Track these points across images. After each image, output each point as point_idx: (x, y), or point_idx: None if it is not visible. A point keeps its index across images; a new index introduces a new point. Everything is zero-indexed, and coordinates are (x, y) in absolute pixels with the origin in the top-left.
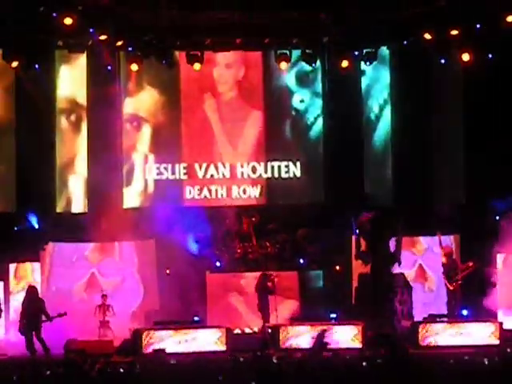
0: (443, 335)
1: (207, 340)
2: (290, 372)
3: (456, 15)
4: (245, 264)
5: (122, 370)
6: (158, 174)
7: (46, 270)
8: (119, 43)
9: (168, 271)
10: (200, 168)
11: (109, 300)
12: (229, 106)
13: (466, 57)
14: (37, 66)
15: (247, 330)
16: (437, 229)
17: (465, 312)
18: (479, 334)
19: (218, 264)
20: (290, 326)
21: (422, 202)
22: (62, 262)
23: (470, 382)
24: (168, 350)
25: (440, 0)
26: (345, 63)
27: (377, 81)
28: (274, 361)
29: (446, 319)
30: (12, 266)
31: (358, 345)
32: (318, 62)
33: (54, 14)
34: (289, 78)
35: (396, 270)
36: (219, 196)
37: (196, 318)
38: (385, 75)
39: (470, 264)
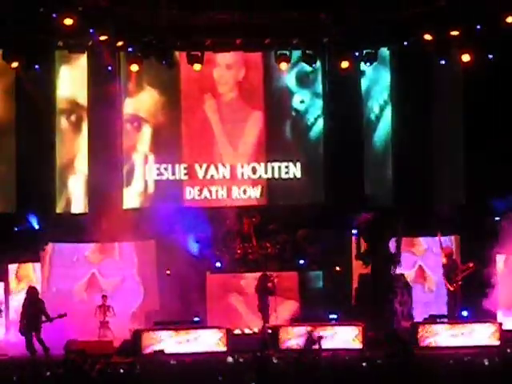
0: (443, 336)
1: (207, 340)
2: (289, 372)
3: (456, 15)
4: (245, 264)
5: (121, 371)
6: (158, 175)
7: (45, 271)
8: (119, 44)
9: (168, 272)
10: (200, 168)
11: (109, 300)
12: (229, 107)
13: (466, 57)
14: (37, 66)
15: (247, 331)
16: (437, 229)
17: (465, 313)
18: (479, 334)
19: (218, 264)
20: (289, 327)
21: (422, 202)
22: (62, 263)
23: (470, 383)
24: (168, 351)
25: (440, 0)
26: (345, 64)
27: (377, 81)
28: (274, 361)
29: (446, 320)
30: (12, 267)
31: (358, 345)
32: (318, 63)
33: (54, 15)
34: (289, 79)
35: (396, 271)
36: (219, 196)
37: (196, 319)
38: (385, 76)
39: (470, 265)
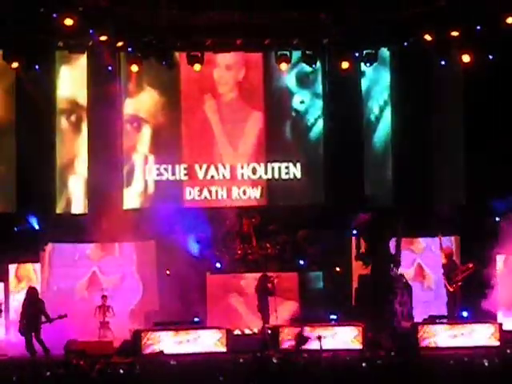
0: (443, 336)
1: (207, 341)
2: (289, 373)
3: (456, 16)
4: (245, 265)
5: (121, 371)
6: (158, 175)
7: (45, 271)
8: (119, 44)
9: (168, 272)
10: (200, 169)
11: (109, 299)
12: (229, 107)
13: (466, 58)
14: (37, 66)
15: (247, 331)
16: (437, 229)
17: (465, 313)
18: (479, 335)
19: (218, 265)
20: (289, 327)
21: (422, 202)
22: (62, 263)
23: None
24: (168, 351)
25: (440, 0)
26: (345, 64)
27: (377, 82)
28: (274, 361)
29: (445, 321)
30: (12, 267)
31: (358, 346)
32: (318, 63)
33: (55, 15)
34: (289, 79)
35: (394, 270)
36: (219, 197)
37: (196, 319)
38: (385, 76)
39: (470, 265)
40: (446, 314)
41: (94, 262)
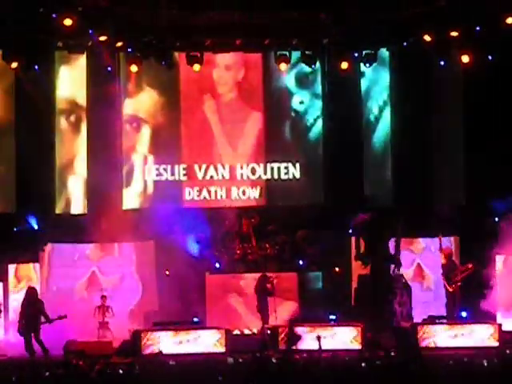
0: (442, 337)
1: (206, 341)
2: (289, 373)
3: (456, 16)
4: (244, 265)
5: (121, 371)
6: (157, 175)
7: (44, 271)
8: (119, 44)
9: (167, 272)
10: (200, 169)
11: (108, 300)
12: (228, 107)
13: (465, 58)
14: (36, 66)
15: (246, 331)
16: (437, 230)
17: (464, 314)
18: (478, 335)
19: (217, 265)
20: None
21: (421, 202)
22: (61, 263)
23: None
24: (167, 351)
25: (440, 0)
26: (344, 65)
27: (376, 82)
28: (273, 362)
29: (445, 321)
30: (11, 267)
31: (357, 346)
32: (318, 64)
33: (54, 15)
34: (288, 80)
35: (395, 271)
36: (219, 197)
37: (195, 319)
38: (384, 77)
39: (470, 266)
40: (445, 314)
41: (93, 262)
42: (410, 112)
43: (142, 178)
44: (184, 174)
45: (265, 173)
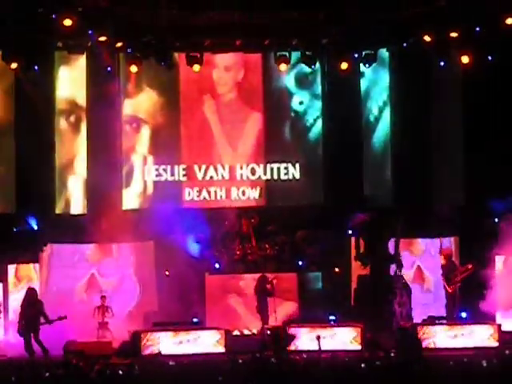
0: (442, 337)
1: (206, 341)
2: (288, 373)
3: (456, 16)
4: (244, 265)
5: (120, 372)
6: (157, 176)
7: (44, 272)
8: (119, 44)
9: (167, 272)
10: (199, 169)
11: (108, 301)
12: (228, 108)
13: (465, 59)
14: (36, 67)
15: (246, 332)
16: (437, 230)
17: (464, 314)
18: (478, 336)
19: (217, 265)
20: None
21: (421, 202)
22: (61, 263)
23: None
24: (167, 352)
25: (440, 0)
26: (344, 65)
27: (376, 83)
28: (273, 362)
29: (444, 321)
30: (11, 267)
31: (356, 346)
32: (318, 64)
33: (54, 15)
34: (288, 80)
35: (400, 272)
36: (218, 198)
37: (195, 320)
38: (384, 77)
39: (469, 266)
40: (445, 315)
41: (92, 264)
42: (410, 112)
43: (141, 178)
44: (184, 175)
45: (264, 173)
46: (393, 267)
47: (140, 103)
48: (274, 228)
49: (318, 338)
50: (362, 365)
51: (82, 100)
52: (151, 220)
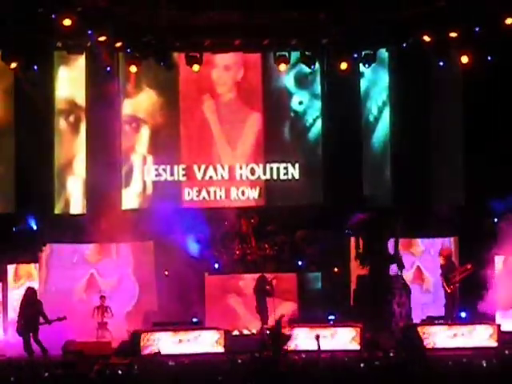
0: (441, 337)
1: (206, 341)
2: (288, 373)
3: (456, 16)
4: (243, 265)
5: (120, 372)
6: (156, 176)
7: (43, 272)
8: (118, 44)
9: (167, 273)
10: (199, 169)
11: (107, 301)
12: (228, 108)
13: (465, 59)
14: (36, 67)
15: (245, 332)
16: (436, 230)
17: (463, 314)
18: (478, 336)
19: (216, 265)
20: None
21: (421, 202)
22: (60, 263)
23: None
24: (166, 352)
25: (440, 0)
26: (344, 65)
27: (376, 83)
28: (272, 362)
29: (443, 321)
30: (10, 267)
31: (356, 346)
32: (317, 64)
33: (53, 15)
34: (288, 80)
35: (402, 273)
36: (218, 198)
37: (194, 320)
38: (383, 77)
39: (469, 266)
40: (443, 315)
41: (91, 264)
42: (410, 112)
43: (141, 178)
44: (183, 175)
45: (264, 173)
46: (393, 267)
47: (139, 103)
48: (274, 228)
49: (318, 337)
50: (361, 365)
51: (81, 100)
52: (151, 220)
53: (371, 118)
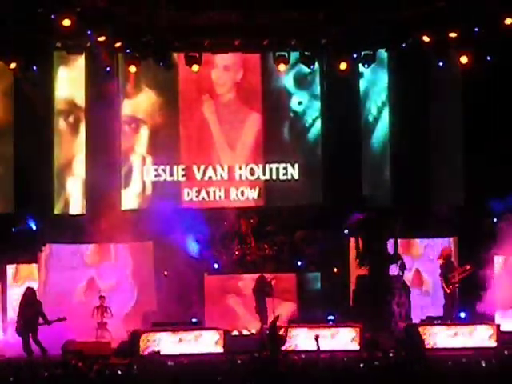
0: (441, 337)
1: (205, 342)
2: (287, 373)
3: (455, 16)
4: (243, 266)
5: (119, 372)
6: (156, 176)
7: (43, 272)
8: (117, 45)
9: (166, 273)
10: (198, 170)
11: (107, 301)
12: (227, 108)
13: (464, 59)
14: (35, 67)
15: (245, 332)
16: (435, 230)
17: (462, 314)
18: (477, 336)
19: (216, 266)
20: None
21: (420, 202)
22: (59, 264)
23: None
24: (166, 352)
25: (440, 0)
26: (343, 65)
27: (375, 83)
28: (271, 362)
29: (443, 321)
30: (10, 267)
31: (355, 347)
32: (317, 64)
33: (53, 16)
34: (287, 80)
35: (400, 273)
36: (217, 198)
37: (194, 320)
38: (383, 77)
39: (468, 267)
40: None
41: (91, 266)
42: (409, 113)
43: (140, 178)
44: (183, 175)
45: (263, 173)
46: (392, 267)
47: (139, 103)
48: (273, 228)
49: (317, 337)
50: (361, 365)
51: (80, 100)
52: (150, 220)
53: (370, 119)
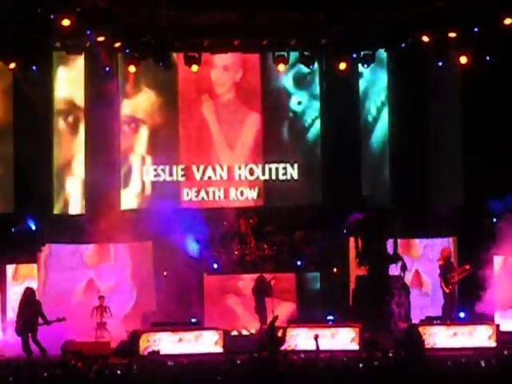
0: (440, 337)
1: (204, 342)
2: (287, 373)
3: (455, 16)
4: (242, 266)
5: (119, 372)
6: (155, 176)
7: (42, 272)
8: (117, 45)
9: (165, 273)
10: (197, 170)
11: (106, 301)
12: (226, 108)
13: (463, 59)
14: (34, 67)
15: (244, 332)
16: (435, 230)
17: (462, 314)
18: (477, 336)
19: (215, 266)
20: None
21: (419, 202)
22: (59, 264)
23: None
24: (165, 352)
25: (439, 1)
26: (342, 65)
27: (374, 83)
28: (270, 362)
29: (442, 321)
30: (9, 267)
31: (355, 347)
32: (316, 64)
33: (52, 16)
34: (286, 80)
35: (401, 274)
36: (217, 198)
37: (193, 320)
38: (382, 77)
39: (467, 267)
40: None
41: (91, 267)
42: (408, 113)
43: (139, 178)
44: (182, 175)
45: (263, 173)
46: (392, 267)
47: (138, 103)
48: (273, 228)
49: (316, 337)
50: (360, 365)
51: (80, 100)
52: (149, 220)
53: (370, 119)
